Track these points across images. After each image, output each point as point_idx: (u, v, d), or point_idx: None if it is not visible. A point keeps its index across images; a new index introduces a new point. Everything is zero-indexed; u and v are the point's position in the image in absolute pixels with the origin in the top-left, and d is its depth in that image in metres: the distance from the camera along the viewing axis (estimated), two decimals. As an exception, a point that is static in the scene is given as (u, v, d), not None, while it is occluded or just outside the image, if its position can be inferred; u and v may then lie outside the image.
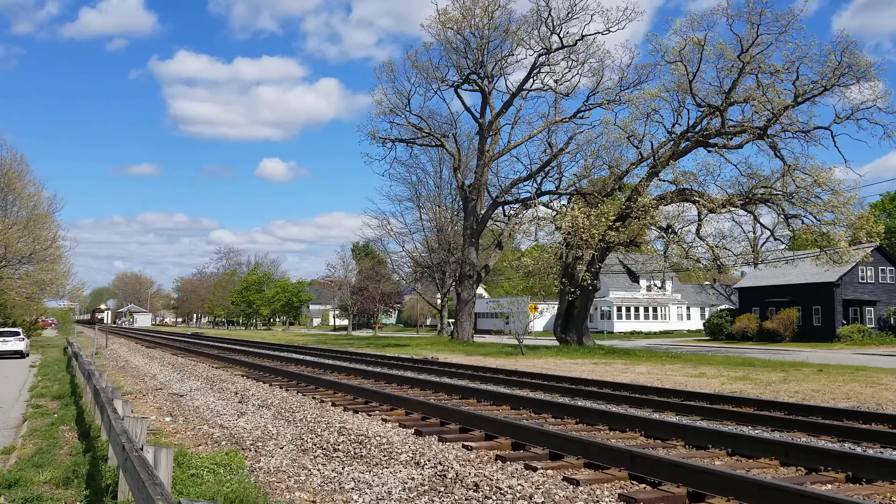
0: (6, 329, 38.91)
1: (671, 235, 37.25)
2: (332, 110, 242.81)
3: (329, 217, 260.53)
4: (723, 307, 67.52)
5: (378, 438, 10.97)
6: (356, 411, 14.33)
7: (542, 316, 67.61)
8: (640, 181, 37.31)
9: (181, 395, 17.55)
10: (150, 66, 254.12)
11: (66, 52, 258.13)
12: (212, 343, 49.66)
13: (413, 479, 8.60)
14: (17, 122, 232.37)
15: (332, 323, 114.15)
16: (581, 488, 7.99)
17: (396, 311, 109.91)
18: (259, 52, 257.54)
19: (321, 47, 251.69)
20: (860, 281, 52.18)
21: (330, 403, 15.71)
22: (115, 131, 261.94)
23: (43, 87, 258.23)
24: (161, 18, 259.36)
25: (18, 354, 35.65)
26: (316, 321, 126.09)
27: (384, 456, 9.89)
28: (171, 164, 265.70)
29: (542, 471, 8.80)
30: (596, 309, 67.97)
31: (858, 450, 10.21)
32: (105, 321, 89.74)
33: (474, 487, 8.06)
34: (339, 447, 10.56)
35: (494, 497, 7.70)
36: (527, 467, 9.01)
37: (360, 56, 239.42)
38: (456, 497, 7.81)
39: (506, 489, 7.90)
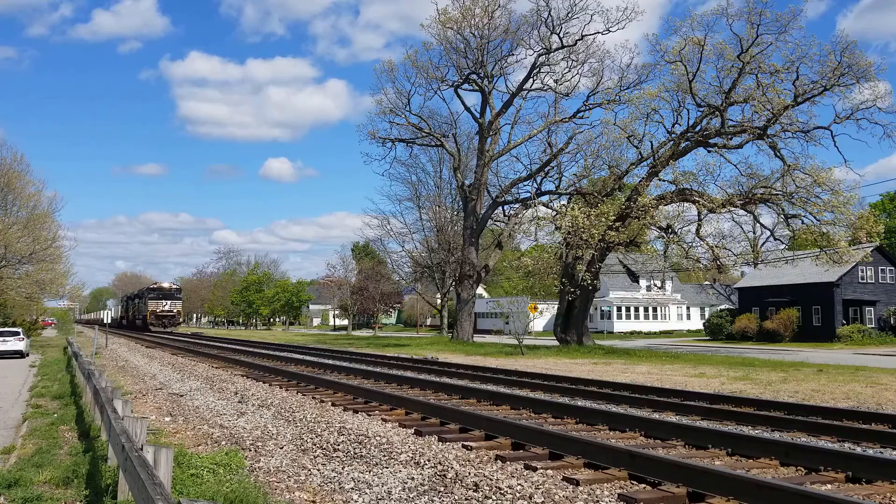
0: (6, 329, 38.92)
1: (671, 235, 37.23)
2: (339, 111, 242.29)
3: (332, 217, 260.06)
4: (723, 307, 67.48)
5: (378, 438, 10.96)
6: (356, 411, 14.33)
7: (542, 316, 67.55)
8: (640, 181, 37.30)
9: (181, 395, 17.55)
10: (161, 67, 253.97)
11: (77, 54, 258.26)
12: (212, 343, 49.62)
13: (413, 478, 8.60)
14: (24, 123, 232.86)
15: (332, 323, 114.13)
16: (581, 488, 7.98)
17: (396, 311, 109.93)
18: (272, 52, 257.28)
19: (331, 49, 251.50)
20: (860, 281, 52.17)
21: (330, 403, 15.71)
22: (121, 132, 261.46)
23: (53, 89, 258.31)
24: (174, 21, 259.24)
25: (18, 354, 35.66)
26: (316, 321, 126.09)
27: (384, 456, 9.88)
28: (176, 164, 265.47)
29: (541, 471, 8.80)
30: (596, 309, 67.96)
31: (858, 450, 10.21)
32: (157, 318, 77.21)
33: (474, 487, 8.06)
34: (339, 447, 10.56)
35: (494, 497, 7.70)
36: (527, 467, 9.00)
37: (368, 59, 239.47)
38: (456, 497, 7.81)
39: (506, 489, 7.90)
